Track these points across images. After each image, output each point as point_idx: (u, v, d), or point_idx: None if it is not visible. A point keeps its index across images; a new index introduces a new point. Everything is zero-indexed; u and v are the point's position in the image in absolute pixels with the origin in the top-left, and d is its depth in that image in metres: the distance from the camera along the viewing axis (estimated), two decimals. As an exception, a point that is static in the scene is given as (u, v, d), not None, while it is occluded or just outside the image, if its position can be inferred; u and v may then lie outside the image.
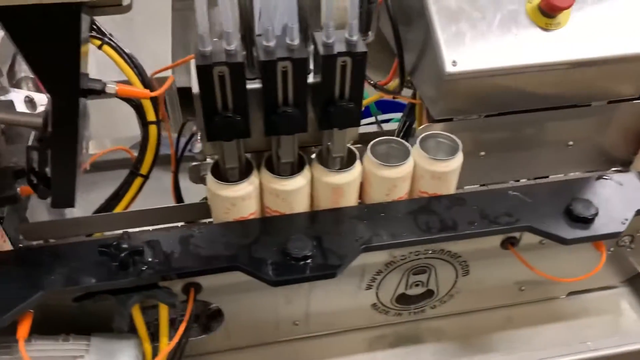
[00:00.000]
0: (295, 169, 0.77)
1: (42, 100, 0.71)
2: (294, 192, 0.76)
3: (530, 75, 0.80)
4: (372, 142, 0.80)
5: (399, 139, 0.81)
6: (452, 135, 0.81)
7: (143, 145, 0.86)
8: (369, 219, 0.78)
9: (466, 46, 0.77)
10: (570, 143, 0.92)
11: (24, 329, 0.69)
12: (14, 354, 0.72)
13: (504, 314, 1.04)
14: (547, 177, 0.96)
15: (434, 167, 0.79)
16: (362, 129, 1.14)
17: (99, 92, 0.66)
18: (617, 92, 0.86)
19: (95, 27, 0.82)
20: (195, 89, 0.67)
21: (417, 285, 0.93)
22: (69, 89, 0.58)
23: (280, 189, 0.75)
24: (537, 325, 1.01)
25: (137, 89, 0.69)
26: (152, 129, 0.85)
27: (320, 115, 0.70)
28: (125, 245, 0.70)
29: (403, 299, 0.95)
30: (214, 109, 0.65)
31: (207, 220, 0.90)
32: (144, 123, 0.85)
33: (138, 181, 0.87)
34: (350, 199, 0.80)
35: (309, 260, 0.72)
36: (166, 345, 0.80)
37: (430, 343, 1.00)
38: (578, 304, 1.04)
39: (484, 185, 0.94)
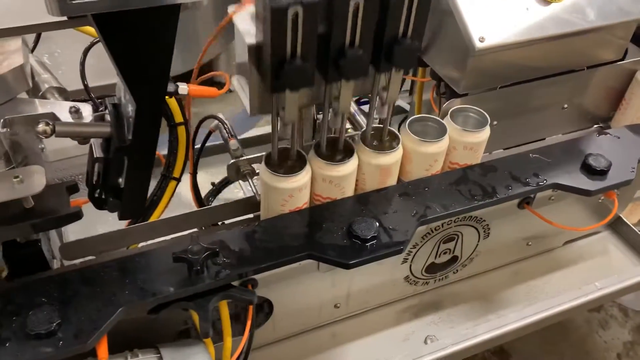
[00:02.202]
0: (342, 151, 0.79)
1: (86, 109, 0.67)
2: (348, 177, 0.78)
3: (540, 46, 0.87)
4: (408, 121, 0.84)
5: (432, 116, 0.85)
6: (478, 109, 0.87)
7: (172, 147, 0.84)
8: (416, 195, 0.82)
9: (489, 23, 0.82)
10: (565, 106, 1.01)
11: (103, 349, 0.66)
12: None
13: (511, 269, 1.12)
14: (544, 139, 1.05)
15: (466, 139, 0.84)
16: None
17: (173, 94, 0.64)
18: (601, 56, 0.96)
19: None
20: (251, 40, 0.64)
21: (445, 253, 0.99)
22: (157, 93, 0.56)
23: (335, 174, 0.77)
24: (544, 275, 1.11)
25: (207, 88, 0.67)
26: (181, 130, 0.83)
27: (385, 55, 0.68)
28: (199, 249, 0.68)
29: (431, 268, 1.00)
30: (283, 56, 0.62)
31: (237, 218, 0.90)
32: (172, 124, 0.83)
33: (172, 185, 0.85)
34: (395, 178, 0.83)
35: (376, 240, 0.75)
36: (230, 344, 0.79)
37: (452, 307, 1.06)
38: (573, 251, 1.15)
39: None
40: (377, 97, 0.75)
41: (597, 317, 1.68)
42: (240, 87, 0.71)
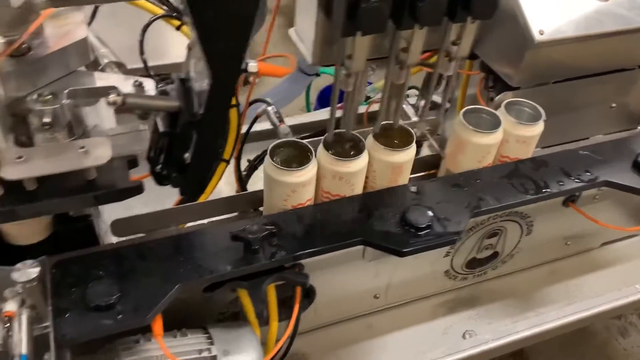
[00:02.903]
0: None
1: (149, 84, 0.67)
2: (358, 173, 0.77)
3: (597, 42, 0.86)
4: (462, 112, 0.83)
5: (485, 107, 0.85)
6: (532, 103, 0.86)
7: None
8: (468, 186, 0.81)
9: (548, 16, 0.81)
10: (613, 105, 1.00)
11: (158, 325, 0.65)
12: (139, 353, 0.68)
13: (548, 268, 1.11)
14: (588, 138, 1.04)
15: (520, 132, 0.84)
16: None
17: (243, 71, 0.63)
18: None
19: (173, 7, 0.78)
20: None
21: (487, 248, 0.98)
22: (234, 66, 0.55)
23: (345, 170, 0.75)
24: (581, 276, 1.10)
25: (275, 66, 0.67)
26: (233, 112, 0.83)
27: (463, 2, 0.65)
28: (257, 229, 0.68)
29: (472, 263, 1.00)
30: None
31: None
32: (224, 106, 0.82)
33: (221, 167, 0.84)
34: (407, 177, 0.82)
35: (429, 230, 0.74)
36: (276, 328, 0.79)
37: (489, 304, 1.05)
38: (611, 253, 1.14)
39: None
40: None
41: (617, 324, 1.67)
42: (299, 38, 0.70)
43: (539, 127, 0.84)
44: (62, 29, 0.69)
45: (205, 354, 0.71)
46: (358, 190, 0.80)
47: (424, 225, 0.74)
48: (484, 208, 0.78)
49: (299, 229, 0.73)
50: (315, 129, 1.09)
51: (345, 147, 0.77)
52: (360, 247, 0.84)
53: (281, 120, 0.87)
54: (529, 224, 0.97)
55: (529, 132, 0.84)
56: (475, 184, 0.82)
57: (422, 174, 0.96)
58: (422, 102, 0.88)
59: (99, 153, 0.62)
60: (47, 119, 0.62)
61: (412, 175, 0.91)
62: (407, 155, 0.79)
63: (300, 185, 0.74)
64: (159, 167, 0.65)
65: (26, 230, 0.71)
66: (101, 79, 0.68)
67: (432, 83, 0.76)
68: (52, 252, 0.69)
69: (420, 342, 0.97)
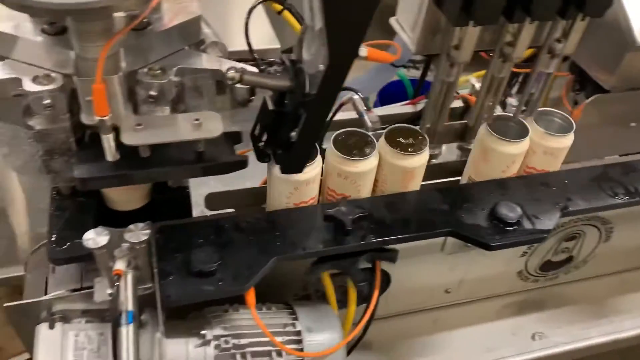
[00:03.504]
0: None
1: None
2: (365, 174, 0.75)
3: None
4: (490, 120, 0.82)
5: (511, 115, 0.83)
6: (564, 113, 0.84)
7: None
8: (556, 185, 0.81)
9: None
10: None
11: (252, 295, 0.68)
12: (229, 322, 0.71)
13: (619, 278, 1.09)
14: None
15: (549, 143, 0.81)
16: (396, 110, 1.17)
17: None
18: None
19: (276, -9, 0.80)
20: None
21: (563, 251, 0.97)
22: (353, 48, 0.57)
23: (352, 170, 0.74)
24: (656, 288, 1.07)
25: (383, 52, 0.69)
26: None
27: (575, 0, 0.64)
28: (350, 211, 0.70)
29: (546, 266, 0.99)
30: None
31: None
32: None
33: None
34: (419, 182, 0.80)
35: (518, 225, 0.74)
36: (354, 312, 0.81)
37: (558, 308, 1.04)
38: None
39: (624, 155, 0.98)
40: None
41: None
42: (400, 27, 0.71)
43: (568, 139, 0.81)
44: (177, 6, 0.72)
45: (289, 328, 0.73)
46: (365, 192, 0.77)
47: (513, 221, 0.74)
48: (573, 209, 0.78)
49: (387, 215, 0.74)
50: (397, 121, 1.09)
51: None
52: (440, 239, 0.85)
53: (369, 109, 0.88)
54: (608, 231, 0.96)
55: (557, 144, 0.81)
56: (564, 185, 0.81)
57: (443, 180, 0.94)
58: (510, 101, 0.88)
59: (211, 126, 0.64)
60: (153, 92, 0.65)
61: (434, 182, 0.91)
62: (419, 160, 0.76)
63: (303, 183, 0.72)
64: (261, 143, 0.68)
65: (128, 197, 0.75)
66: (208, 61, 0.71)
67: (530, 81, 0.76)
68: (149, 219, 0.73)
69: (488, 340, 0.97)
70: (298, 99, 0.62)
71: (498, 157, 0.80)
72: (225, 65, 0.70)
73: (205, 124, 0.64)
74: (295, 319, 0.74)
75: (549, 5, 0.63)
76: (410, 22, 0.71)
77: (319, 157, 0.74)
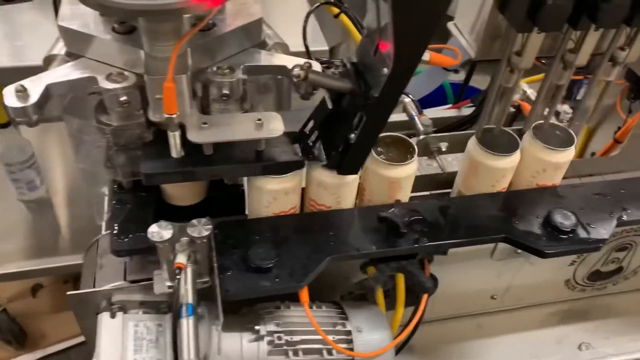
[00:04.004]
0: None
1: (316, 67, 0.70)
2: (344, 186, 0.73)
3: None
4: (477, 131, 0.79)
5: (504, 128, 0.80)
6: (565, 127, 0.81)
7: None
8: (611, 195, 0.80)
9: None
10: None
11: (305, 293, 0.69)
12: (281, 318, 0.72)
13: (669, 292, 1.07)
14: None
15: (547, 157, 0.78)
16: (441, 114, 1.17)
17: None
18: None
19: (334, -7, 0.81)
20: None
21: (613, 262, 0.96)
22: (418, 54, 0.58)
23: (330, 181, 0.72)
24: None
25: (445, 56, 0.69)
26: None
27: None
28: (404, 213, 0.70)
29: (594, 276, 0.98)
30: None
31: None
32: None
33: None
34: (407, 194, 0.78)
35: (573, 234, 0.74)
36: (401, 313, 0.81)
37: (604, 319, 1.03)
38: None
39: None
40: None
41: None
42: (459, 32, 0.71)
43: (568, 154, 0.78)
44: (240, 8, 0.73)
45: (339, 327, 0.74)
46: (347, 204, 0.75)
47: (568, 229, 0.73)
48: (629, 219, 0.76)
49: (440, 219, 0.75)
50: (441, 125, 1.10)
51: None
52: (490, 245, 0.84)
53: (420, 112, 0.88)
54: (661, 242, 0.94)
55: (556, 158, 0.78)
56: (620, 194, 0.80)
57: (436, 192, 0.90)
58: (564, 108, 0.87)
59: (273, 126, 0.66)
60: (225, 91, 0.67)
61: (424, 193, 0.88)
62: (406, 170, 0.73)
63: (281, 193, 0.72)
64: (310, 141, 0.69)
65: (187, 193, 0.77)
66: (273, 58, 0.72)
67: (590, 88, 0.75)
68: (204, 215, 0.74)
69: (532, 348, 0.97)
70: (359, 101, 0.63)
71: (487, 171, 0.78)
72: (291, 62, 0.71)
73: (267, 124, 0.66)
74: (345, 318, 0.75)
75: (616, 13, 0.62)
76: (470, 27, 0.71)
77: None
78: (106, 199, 0.94)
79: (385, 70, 0.59)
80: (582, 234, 0.74)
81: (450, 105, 1.39)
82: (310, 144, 0.70)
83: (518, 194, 0.80)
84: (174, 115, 0.61)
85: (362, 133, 0.64)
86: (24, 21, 1.14)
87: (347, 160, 0.67)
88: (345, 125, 0.66)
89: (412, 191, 0.89)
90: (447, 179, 0.89)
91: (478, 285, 0.93)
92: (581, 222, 0.75)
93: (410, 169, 0.74)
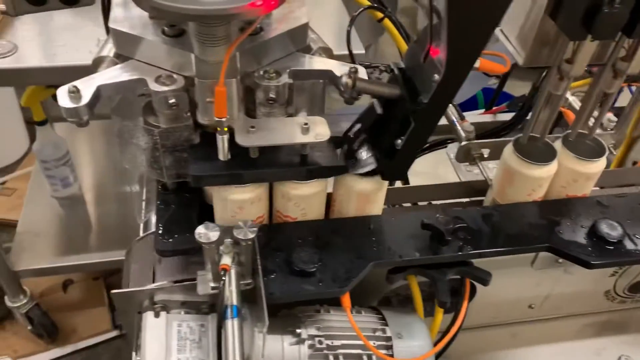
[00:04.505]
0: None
1: (362, 72, 0.70)
2: (307, 198, 0.72)
3: None
4: (514, 139, 0.78)
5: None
6: (597, 137, 0.80)
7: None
8: (658, 206, 0.79)
9: None
10: None
11: (347, 298, 0.69)
12: (321, 322, 0.72)
13: None
14: None
15: (577, 168, 0.77)
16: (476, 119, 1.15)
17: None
18: None
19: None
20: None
21: (655, 273, 0.94)
22: (471, 60, 0.57)
23: (293, 192, 0.71)
24: None
25: (495, 63, 0.69)
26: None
27: None
28: (448, 221, 0.70)
29: (635, 287, 0.96)
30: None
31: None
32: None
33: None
34: (379, 207, 0.76)
35: (620, 245, 0.72)
36: (440, 320, 0.80)
37: (637, 333, 1.01)
38: None
39: None
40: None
41: None
42: (505, 37, 0.71)
43: (599, 164, 0.77)
44: (286, 12, 0.74)
45: (379, 333, 0.74)
46: (313, 215, 0.74)
47: (615, 240, 0.72)
48: (679, 230, 0.75)
49: (484, 227, 0.74)
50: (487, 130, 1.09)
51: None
52: (531, 254, 0.83)
53: (462, 118, 0.87)
54: None
55: (586, 169, 0.77)
56: (666, 205, 0.79)
57: (466, 200, 0.90)
58: (609, 116, 0.86)
59: (320, 131, 0.66)
60: (272, 95, 0.68)
61: (456, 200, 0.88)
62: (373, 184, 0.72)
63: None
64: (354, 146, 0.69)
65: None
66: (319, 63, 0.72)
67: (636, 96, 0.74)
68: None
69: (569, 359, 0.95)
70: (408, 107, 0.63)
71: (523, 180, 0.77)
72: (336, 67, 0.71)
73: (314, 128, 0.66)
74: (385, 324, 0.75)
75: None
76: (517, 33, 0.70)
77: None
78: (144, 198, 0.96)
79: (436, 77, 0.59)
80: (629, 245, 0.73)
81: (483, 111, 1.38)
82: (355, 148, 0.70)
83: (561, 203, 0.79)
84: (223, 119, 0.62)
85: (410, 139, 0.64)
86: (63, 23, 1.17)
87: (392, 166, 0.67)
88: (391, 131, 0.66)
89: (450, 198, 0.89)
90: (483, 187, 0.88)
91: (516, 294, 0.92)
92: (627, 233, 0.74)
93: (378, 183, 0.72)
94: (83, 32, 1.16)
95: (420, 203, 0.93)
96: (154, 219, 0.88)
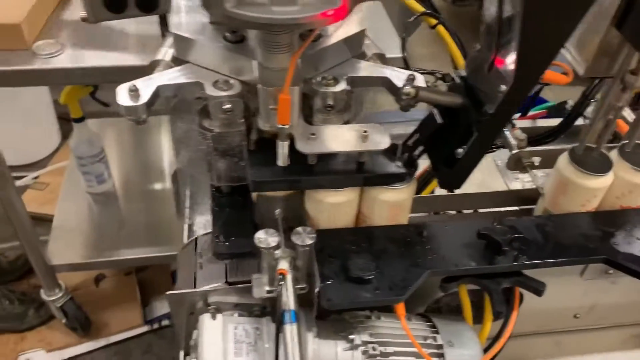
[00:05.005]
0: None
1: (420, 79, 0.70)
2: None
3: None
4: (569, 149, 0.78)
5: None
6: None
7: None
8: None
9: None
10: None
11: (401, 306, 0.69)
12: (373, 329, 0.72)
13: None
14: None
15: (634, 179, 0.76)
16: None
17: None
18: None
19: (432, 6, 0.81)
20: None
21: None
22: (540, 72, 0.57)
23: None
24: None
25: (559, 74, 0.69)
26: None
27: None
28: (505, 230, 0.70)
29: (683, 299, 0.94)
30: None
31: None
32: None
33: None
34: (406, 215, 0.77)
35: (680, 259, 0.72)
36: (489, 329, 0.80)
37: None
38: None
39: None
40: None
41: None
42: (565, 48, 0.70)
43: None
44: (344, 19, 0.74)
45: (430, 341, 0.74)
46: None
47: (676, 254, 0.71)
48: None
49: (538, 237, 0.74)
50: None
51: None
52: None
53: (513, 125, 0.87)
54: None
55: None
56: None
57: (515, 208, 0.90)
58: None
59: (379, 139, 0.66)
60: (330, 102, 0.68)
61: (505, 209, 0.88)
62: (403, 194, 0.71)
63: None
64: (415, 154, 0.69)
65: (280, 199, 0.78)
66: (375, 69, 0.72)
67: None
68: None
69: (614, 371, 0.94)
70: (471, 117, 0.63)
71: (577, 190, 0.77)
72: (393, 74, 0.71)
73: (372, 136, 0.66)
74: (436, 332, 0.75)
75: None
76: (577, 43, 0.70)
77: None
78: (188, 199, 0.97)
79: (503, 87, 0.58)
80: (690, 259, 0.72)
81: (519, 116, 1.36)
82: (415, 157, 0.70)
83: (615, 214, 0.78)
84: (286, 126, 0.62)
85: (472, 148, 0.64)
86: (110, 24, 1.18)
87: (451, 174, 0.67)
88: (452, 140, 0.65)
89: (497, 206, 0.88)
90: (531, 195, 0.88)
91: (563, 303, 0.91)
92: (685, 247, 0.73)
93: (407, 193, 0.72)
94: (130, 32, 1.17)
95: (464, 211, 0.93)
96: (199, 220, 0.89)
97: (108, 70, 1.11)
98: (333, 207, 0.72)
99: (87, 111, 1.67)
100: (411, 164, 0.71)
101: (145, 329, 1.79)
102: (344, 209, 0.72)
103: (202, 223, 0.87)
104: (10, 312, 1.72)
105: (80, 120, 1.65)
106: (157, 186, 1.92)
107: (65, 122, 2.44)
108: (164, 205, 1.85)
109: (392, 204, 0.73)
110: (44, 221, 1.92)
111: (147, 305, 1.85)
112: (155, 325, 1.81)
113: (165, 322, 1.82)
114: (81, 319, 1.70)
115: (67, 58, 1.08)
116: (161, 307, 1.84)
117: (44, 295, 1.64)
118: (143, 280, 1.90)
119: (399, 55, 1.13)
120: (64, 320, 1.69)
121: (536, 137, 1.10)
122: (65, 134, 2.46)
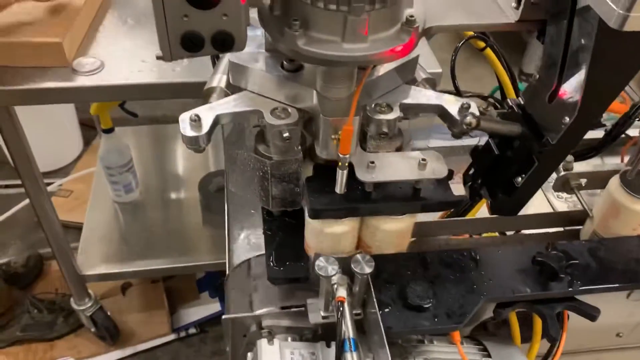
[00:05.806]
0: None
1: (473, 106, 0.70)
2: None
3: None
4: (622, 171, 0.78)
5: None
6: None
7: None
8: None
9: None
10: None
11: (457, 333, 0.70)
12: (426, 353, 0.73)
13: None
14: None
15: None
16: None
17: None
18: None
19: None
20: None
21: None
22: (605, 105, 0.57)
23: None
24: None
25: (619, 104, 0.69)
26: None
27: None
28: (559, 256, 0.70)
29: None
30: None
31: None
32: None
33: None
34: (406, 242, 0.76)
35: None
36: (536, 351, 0.81)
37: None
38: None
39: None
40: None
41: None
42: None
43: None
44: (398, 45, 0.74)
45: (482, 364, 0.74)
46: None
47: None
48: None
49: (590, 262, 0.74)
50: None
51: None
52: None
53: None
54: None
55: None
56: None
57: (559, 229, 0.90)
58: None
59: (437, 167, 0.66)
60: (384, 129, 0.68)
61: (550, 230, 0.87)
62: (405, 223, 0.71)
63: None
64: (477, 183, 0.69)
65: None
66: (427, 96, 0.73)
67: None
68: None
69: (655, 389, 0.94)
70: (532, 147, 0.63)
71: (629, 214, 0.77)
72: (446, 102, 0.71)
73: (431, 165, 0.67)
74: (488, 355, 0.75)
75: None
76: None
77: None
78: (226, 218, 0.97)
79: (567, 119, 0.59)
80: None
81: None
82: (476, 186, 0.71)
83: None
84: (347, 156, 0.63)
85: (531, 178, 0.64)
86: (146, 40, 1.19)
87: (509, 202, 0.68)
88: (509, 168, 0.66)
89: (541, 227, 0.88)
90: (577, 216, 0.88)
91: (607, 323, 0.90)
92: None
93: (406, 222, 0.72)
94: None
95: (507, 232, 0.93)
96: (245, 238, 0.90)
97: (148, 87, 1.12)
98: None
99: (116, 118, 1.68)
100: (475, 194, 0.71)
101: (172, 337, 1.80)
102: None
103: (245, 242, 0.88)
104: (39, 320, 1.74)
105: (109, 131, 1.66)
106: (183, 194, 1.94)
107: (87, 129, 2.46)
108: (189, 214, 1.87)
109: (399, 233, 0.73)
110: (71, 229, 1.94)
111: (174, 313, 1.86)
112: (183, 334, 1.83)
113: (192, 331, 1.84)
114: (110, 328, 1.71)
115: (108, 74, 1.10)
116: (188, 315, 1.86)
117: (74, 304, 1.66)
118: (170, 288, 1.92)
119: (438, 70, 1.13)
120: (93, 329, 1.71)
121: (575, 153, 1.10)
122: (87, 141, 2.47)
